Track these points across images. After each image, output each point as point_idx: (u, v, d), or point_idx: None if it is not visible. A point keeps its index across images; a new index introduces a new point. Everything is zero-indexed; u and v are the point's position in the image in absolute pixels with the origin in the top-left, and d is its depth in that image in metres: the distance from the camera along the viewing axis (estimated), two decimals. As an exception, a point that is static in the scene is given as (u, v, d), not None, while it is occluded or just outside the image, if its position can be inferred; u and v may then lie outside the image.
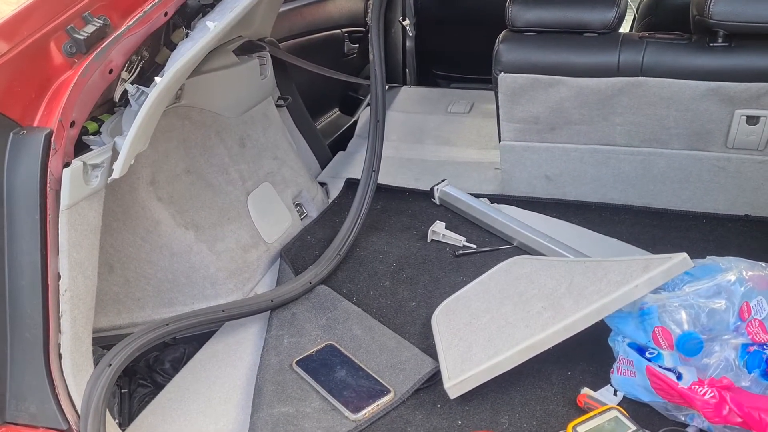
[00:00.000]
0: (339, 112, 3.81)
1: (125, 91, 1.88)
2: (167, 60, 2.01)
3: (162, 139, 2.18)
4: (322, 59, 3.50)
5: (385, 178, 2.80)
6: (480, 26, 3.88)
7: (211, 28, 1.88)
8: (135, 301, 2.15)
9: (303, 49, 3.25)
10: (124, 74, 1.99)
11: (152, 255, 2.14)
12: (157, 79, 1.75)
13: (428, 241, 2.50)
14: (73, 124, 1.62)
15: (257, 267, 2.36)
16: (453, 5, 3.98)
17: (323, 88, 3.59)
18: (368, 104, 3.79)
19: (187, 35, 2.09)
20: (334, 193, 2.93)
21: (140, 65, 2.08)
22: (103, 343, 1.98)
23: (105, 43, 1.70)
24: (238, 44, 2.52)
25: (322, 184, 3.03)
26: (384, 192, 2.75)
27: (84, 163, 1.61)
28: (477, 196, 2.71)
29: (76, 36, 1.66)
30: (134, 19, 1.79)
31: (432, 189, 2.76)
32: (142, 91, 1.86)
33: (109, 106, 2.04)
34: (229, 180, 2.41)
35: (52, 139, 1.54)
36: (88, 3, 1.71)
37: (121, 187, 2.07)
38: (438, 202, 2.75)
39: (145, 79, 2.15)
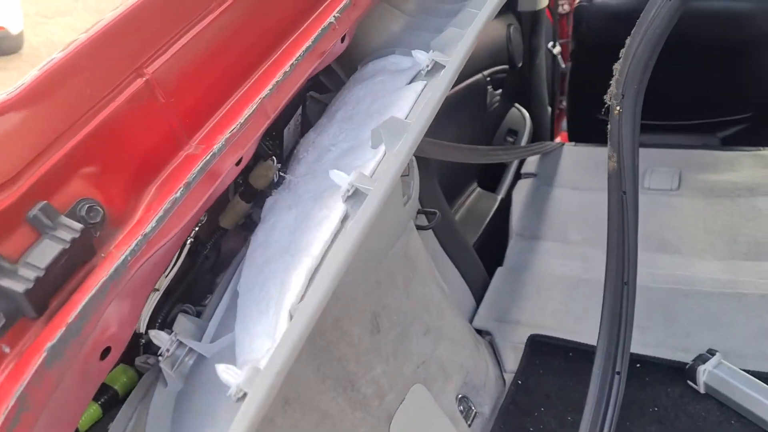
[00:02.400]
0: (479, 189, 2.67)
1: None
2: (240, 217, 0.97)
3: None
4: (460, 121, 2.40)
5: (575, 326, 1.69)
6: (678, 49, 2.69)
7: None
8: None
9: (438, 114, 2.14)
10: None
11: None
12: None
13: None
14: None
15: None
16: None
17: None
18: (519, 175, 2.65)
19: (278, 179, 1.03)
20: (510, 355, 1.82)
21: (191, 238, 1.03)
22: None
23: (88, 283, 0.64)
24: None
25: (482, 334, 1.92)
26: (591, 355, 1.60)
27: None
28: (763, 378, 1.55)
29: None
30: (167, 205, 0.72)
31: (693, 368, 1.60)
32: (188, 350, 0.81)
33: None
34: (358, 401, 1.33)
35: None
36: (45, 178, 0.66)
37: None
38: (703, 390, 1.60)
39: (201, 262, 1.09)
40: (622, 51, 1.26)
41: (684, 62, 2.67)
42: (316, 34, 0.87)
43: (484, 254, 2.26)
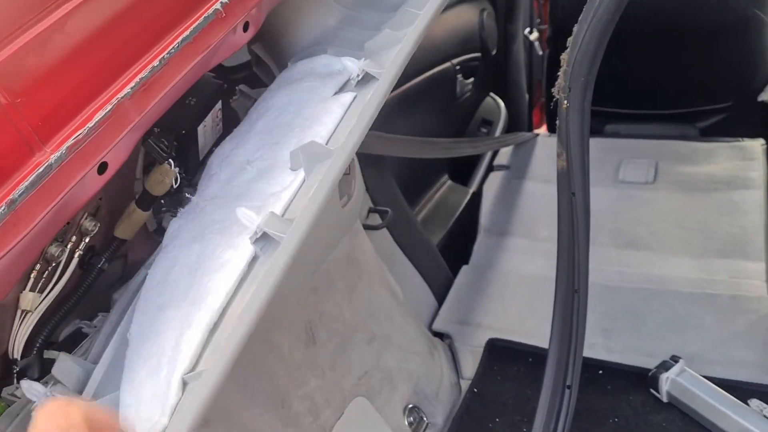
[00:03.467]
0: (449, 181, 2.57)
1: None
2: (137, 226, 0.88)
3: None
4: (425, 112, 2.30)
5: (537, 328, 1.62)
6: (657, 34, 2.57)
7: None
8: None
9: (401, 105, 2.04)
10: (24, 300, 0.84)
11: None
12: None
13: None
14: None
15: None
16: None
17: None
18: (491, 167, 2.55)
19: (178, 183, 0.94)
20: (468, 360, 1.74)
21: (80, 250, 0.93)
22: None
23: None
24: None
25: (443, 336, 1.83)
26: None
27: None
28: (729, 387, 1.47)
29: None
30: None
31: (655, 376, 1.51)
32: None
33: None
34: (290, 418, 1.25)
35: None
36: None
37: None
38: (666, 399, 1.51)
39: (95, 275, 0.99)
40: (569, 40, 1.15)
41: (663, 48, 2.56)
42: (196, 24, 0.77)
43: (451, 251, 2.16)
